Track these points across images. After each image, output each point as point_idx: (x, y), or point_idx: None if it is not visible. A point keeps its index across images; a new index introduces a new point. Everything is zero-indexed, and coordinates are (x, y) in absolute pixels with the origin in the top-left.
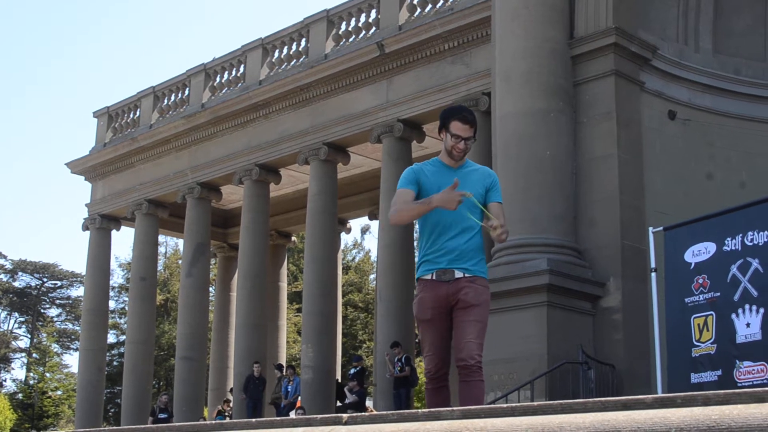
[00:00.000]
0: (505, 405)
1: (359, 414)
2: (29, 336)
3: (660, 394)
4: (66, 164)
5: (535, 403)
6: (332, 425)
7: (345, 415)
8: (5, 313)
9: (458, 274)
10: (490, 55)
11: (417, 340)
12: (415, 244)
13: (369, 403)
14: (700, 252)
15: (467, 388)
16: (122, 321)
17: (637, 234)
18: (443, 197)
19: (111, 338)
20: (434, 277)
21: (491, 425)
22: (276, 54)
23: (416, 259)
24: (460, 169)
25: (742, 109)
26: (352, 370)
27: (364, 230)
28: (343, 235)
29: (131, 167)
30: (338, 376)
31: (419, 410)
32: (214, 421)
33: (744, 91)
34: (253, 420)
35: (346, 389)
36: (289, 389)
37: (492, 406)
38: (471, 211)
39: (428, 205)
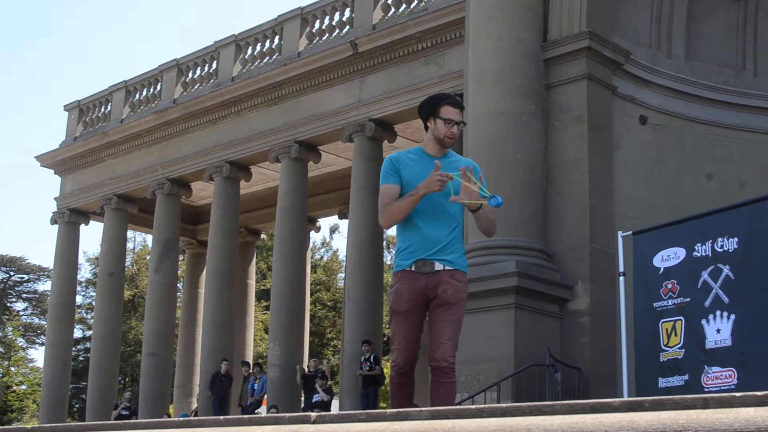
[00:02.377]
0: (473, 406)
1: (327, 413)
2: None
3: (628, 398)
4: (35, 157)
5: (504, 405)
6: (300, 424)
7: (313, 414)
8: None
9: (438, 267)
10: (463, 56)
11: (386, 339)
12: (385, 244)
13: (335, 402)
14: (669, 257)
15: (439, 389)
16: (89, 316)
17: (606, 238)
18: (427, 181)
19: (77, 333)
20: (413, 269)
21: (459, 426)
22: (249, 51)
23: (393, 265)
24: (442, 159)
25: (713, 115)
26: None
27: (333, 229)
28: (312, 233)
29: (101, 162)
30: (305, 365)
31: (387, 410)
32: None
33: (715, 98)
34: (221, 417)
35: (317, 385)
36: (255, 387)
37: (461, 407)
38: (452, 204)
39: (416, 195)
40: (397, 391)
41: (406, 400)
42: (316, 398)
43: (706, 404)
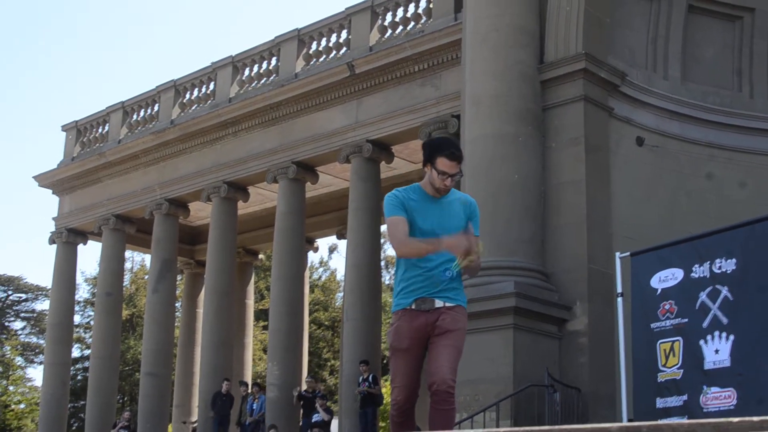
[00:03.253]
0: (471, 431)
1: None
2: None
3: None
4: (33, 177)
5: (502, 429)
6: None
7: None
8: None
9: (438, 304)
10: (460, 78)
11: (384, 361)
12: (383, 263)
13: (334, 421)
14: (667, 278)
15: (438, 414)
16: (87, 335)
17: (604, 259)
18: (454, 242)
19: (75, 352)
20: (413, 307)
21: None
22: (246, 72)
23: (392, 285)
24: (442, 199)
25: (709, 136)
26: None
27: (332, 249)
28: (310, 253)
29: (99, 182)
30: (302, 387)
31: None
32: None
33: (711, 119)
34: None
35: (318, 405)
36: (254, 407)
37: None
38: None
39: (437, 246)
40: (397, 429)
41: None
42: (316, 418)
43: (702, 429)
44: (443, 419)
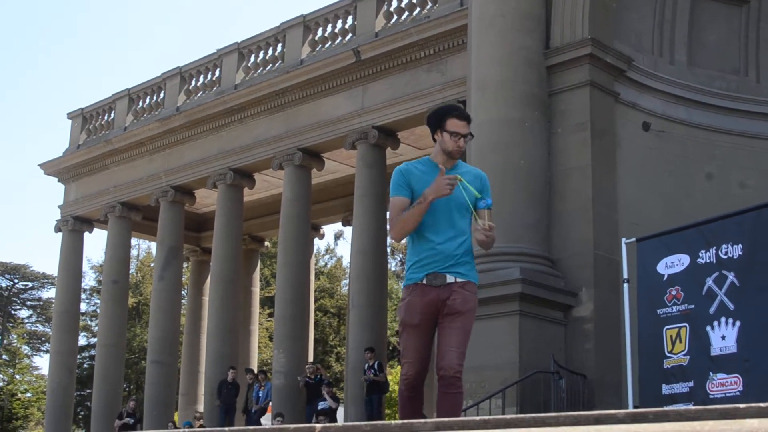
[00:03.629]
0: (478, 418)
1: (332, 425)
2: None
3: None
4: (39, 165)
5: (508, 416)
6: None
7: (318, 426)
8: None
9: (450, 279)
10: (465, 64)
11: (390, 347)
12: (389, 250)
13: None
14: (673, 264)
15: (445, 399)
16: (93, 323)
17: (610, 244)
18: (434, 186)
19: (82, 341)
20: (425, 282)
21: None
22: (252, 58)
23: (398, 272)
24: (451, 170)
25: (715, 121)
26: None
27: (338, 236)
28: (316, 240)
29: (105, 169)
30: (308, 374)
31: (392, 422)
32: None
33: (718, 104)
34: (227, 429)
35: (324, 392)
36: (260, 394)
37: (465, 419)
38: (462, 214)
39: (424, 202)
40: (407, 404)
41: (417, 413)
42: (322, 405)
43: (709, 415)
44: (451, 403)
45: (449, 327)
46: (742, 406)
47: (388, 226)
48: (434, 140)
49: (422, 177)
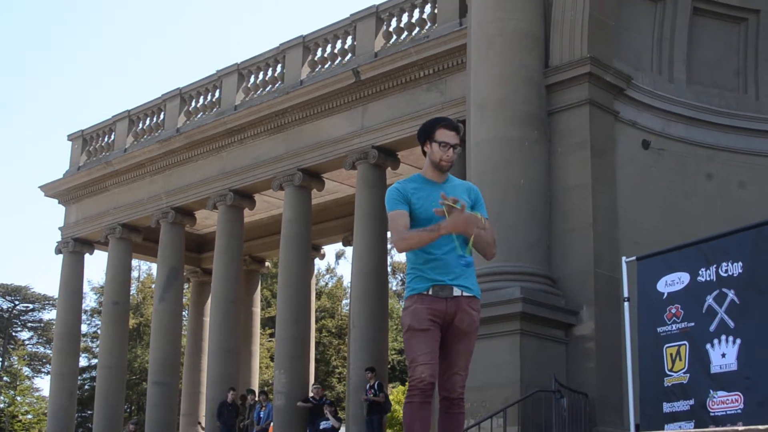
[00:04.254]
0: None
1: None
2: (0, 359)
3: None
4: (39, 187)
5: None
6: None
7: None
8: None
9: (457, 292)
10: (465, 83)
11: (390, 366)
12: (390, 270)
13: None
14: (673, 282)
15: (449, 420)
16: (94, 345)
17: (610, 263)
18: (455, 222)
19: (83, 362)
20: (431, 293)
21: None
22: (251, 79)
23: (399, 292)
24: (444, 184)
25: (715, 139)
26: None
27: (338, 256)
28: (316, 260)
29: (105, 191)
30: (310, 394)
31: None
32: None
33: (717, 121)
34: None
35: (327, 412)
36: (261, 415)
37: None
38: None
39: (437, 233)
40: (416, 412)
41: (425, 423)
42: (324, 425)
43: None
44: (455, 424)
45: (456, 350)
46: (741, 429)
47: (389, 240)
48: (424, 154)
49: (417, 194)
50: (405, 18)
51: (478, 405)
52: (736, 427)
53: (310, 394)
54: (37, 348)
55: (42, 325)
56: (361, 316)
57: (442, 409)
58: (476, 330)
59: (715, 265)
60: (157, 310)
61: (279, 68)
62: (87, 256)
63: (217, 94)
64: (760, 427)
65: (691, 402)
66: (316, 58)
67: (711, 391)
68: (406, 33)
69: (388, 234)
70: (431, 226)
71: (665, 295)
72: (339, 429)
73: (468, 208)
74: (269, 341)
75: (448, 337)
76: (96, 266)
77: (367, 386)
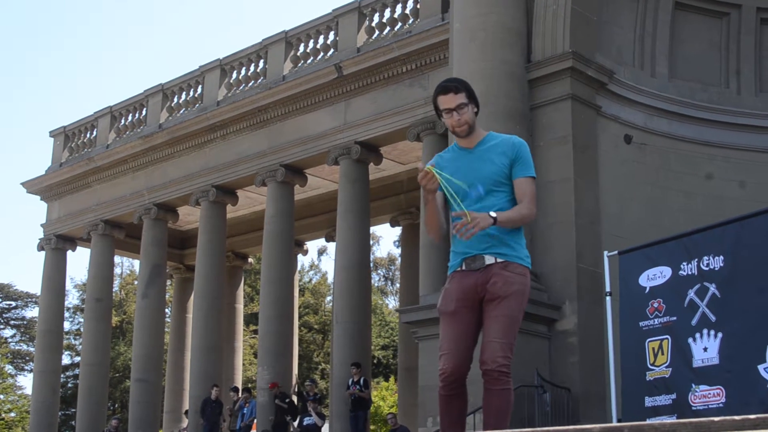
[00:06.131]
0: None
1: None
2: None
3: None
4: (22, 184)
5: None
6: None
7: None
8: None
9: (489, 260)
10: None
11: (375, 362)
12: (372, 266)
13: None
14: (655, 276)
15: (490, 398)
16: (77, 342)
17: (592, 257)
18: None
19: (66, 360)
20: (464, 267)
21: None
22: (234, 75)
23: (381, 287)
24: (478, 147)
25: (697, 133)
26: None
27: (321, 252)
28: (299, 256)
29: (88, 187)
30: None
31: None
32: None
33: (699, 116)
34: None
35: (310, 408)
36: (245, 412)
37: None
38: (492, 190)
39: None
40: (445, 404)
41: (457, 416)
42: (307, 421)
43: (684, 429)
44: (496, 402)
45: (490, 316)
46: (716, 419)
47: (373, 252)
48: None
49: (449, 165)
50: (387, 13)
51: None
52: (712, 418)
53: (305, 390)
54: (20, 346)
55: (25, 322)
56: (344, 311)
57: (485, 386)
58: (515, 294)
59: (696, 259)
60: (139, 307)
61: (261, 64)
62: (69, 252)
63: (199, 89)
64: (736, 417)
65: (674, 396)
66: (298, 54)
67: (693, 385)
68: (388, 28)
69: (371, 230)
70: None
71: (647, 289)
72: (321, 427)
73: (506, 168)
74: (252, 338)
75: (485, 307)
76: (78, 263)
77: (350, 381)
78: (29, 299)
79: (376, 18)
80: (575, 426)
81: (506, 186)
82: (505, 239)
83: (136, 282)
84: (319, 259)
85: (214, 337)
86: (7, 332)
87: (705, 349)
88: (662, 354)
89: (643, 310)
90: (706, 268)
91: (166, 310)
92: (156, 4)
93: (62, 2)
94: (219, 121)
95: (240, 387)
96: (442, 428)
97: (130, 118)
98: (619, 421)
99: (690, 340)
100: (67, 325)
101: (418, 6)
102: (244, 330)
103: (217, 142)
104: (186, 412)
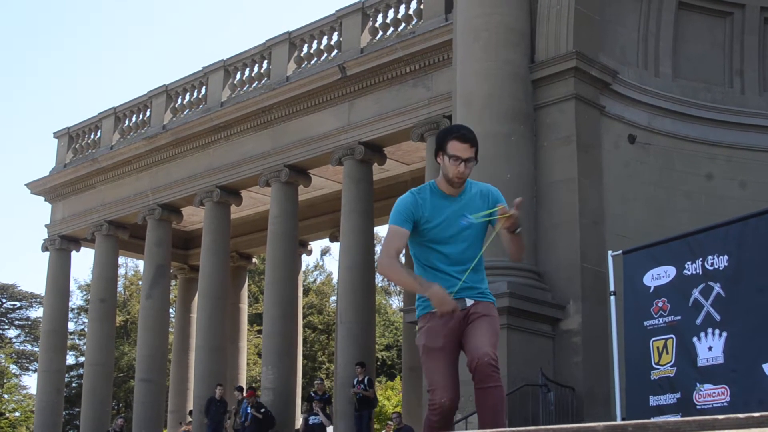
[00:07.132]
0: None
1: None
2: None
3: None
4: (26, 185)
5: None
6: None
7: None
8: None
9: (470, 302)
10: (451, 78)
11: (378, 362)
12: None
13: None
14: (659, 276)
15: (485, 397)
16: (81, 342)
17: (596, 257)
18: (440, 300)
19: (70, 360)
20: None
21: None
22: (238, 76)
23: (385, 287)
24: (461, 196)
25: (701, 133)
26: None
27: (325, 252)
28: (303, 256)
29: (92, 188)
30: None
31: None
32: None
33: (703, 116)
34: None
35: (317, 408)
36: (249, 411)
37: None
38: (472, 243)
39: (421, 290)
40: None
41: None
42: (313, 420)
43: (688, 427)
44: (493, 400)
45: (476, 326)
46: (720, 417)
47: (378, 252)
48: (438, 162)
49: (429, 208)
50: (391, 14)
51: (465, 399)
52: (716, 416)
53: (313, 390)
54: (25, 346)
55: (29, 323)
56: (348, 311)
57: (476, 385)
58: (495, 317)
59: (701, 259)
60: (144, 307)
61: (265, 64)
62: (74, 253)
63: (203, 90)
64: (741, 415)
65: (678, 395)
66: (302, 55)
67: (698, 384)
68: (392, 29)
69: (375, 230)
70: (422, 281)
71: (652, 288)
72: (328, 426)
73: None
74: (257, 337)
75: (466, 329)
76: (83, 264)
77: (355, 381)
78: (34, 299)
79: (379, 19)
80: (579, 424)
81: (480, 239)
82: (476, 278)
83: (140, 282)
84: (323, 259)
85: (218, 337)
86: (12, 332)
87: (710, 348)
88: (667, 353)
89: (648, 309)
90: (711, 268)
91: (171, 311)
92: (160, 5)
93: (66, 2)
94: (223, 121)
95: (244, 386)
96: None
97: (134, 119)
98: (623, 420)
99: (695, 339)
100: (71, 326)
101: (422, 6)
102: (248, 330)
103: (221, 143)
104: (190, 412)
